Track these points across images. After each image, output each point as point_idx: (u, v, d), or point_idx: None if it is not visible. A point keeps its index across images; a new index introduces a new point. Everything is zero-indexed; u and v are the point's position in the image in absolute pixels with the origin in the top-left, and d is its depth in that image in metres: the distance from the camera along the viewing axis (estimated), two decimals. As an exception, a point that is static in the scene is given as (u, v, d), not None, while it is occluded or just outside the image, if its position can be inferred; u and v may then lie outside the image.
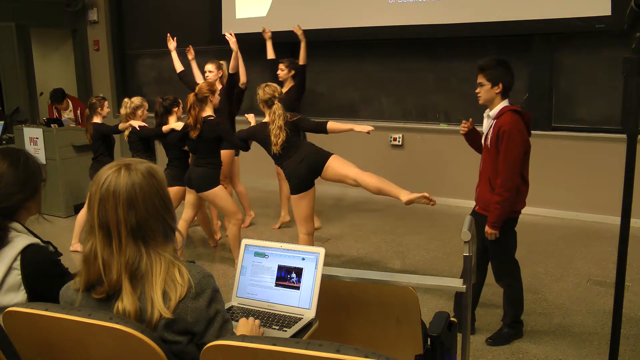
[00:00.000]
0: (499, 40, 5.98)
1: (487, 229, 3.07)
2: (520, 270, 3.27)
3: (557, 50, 5.70)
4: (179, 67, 5.24)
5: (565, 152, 5.65)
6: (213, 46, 7.33)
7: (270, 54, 5.40)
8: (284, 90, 4.35)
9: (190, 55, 5.18)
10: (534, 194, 5.85)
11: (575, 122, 5.74)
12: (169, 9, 8.10)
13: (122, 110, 4.67)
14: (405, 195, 3.67)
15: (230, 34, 4.91)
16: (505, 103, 3.03)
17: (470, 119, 3.32)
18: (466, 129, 3.33)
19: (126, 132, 4.70)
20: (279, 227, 5.46)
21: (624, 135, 1.92)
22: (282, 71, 5.18)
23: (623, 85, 1.87)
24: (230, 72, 4.91)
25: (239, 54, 4.86)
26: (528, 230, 5.34)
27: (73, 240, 4.95)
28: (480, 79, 3.03)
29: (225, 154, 4.91)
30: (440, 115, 6.47)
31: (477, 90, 3.07)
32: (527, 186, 3.14)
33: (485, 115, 3.16)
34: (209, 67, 5.05)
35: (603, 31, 5.22)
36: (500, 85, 2.97)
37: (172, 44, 5.23)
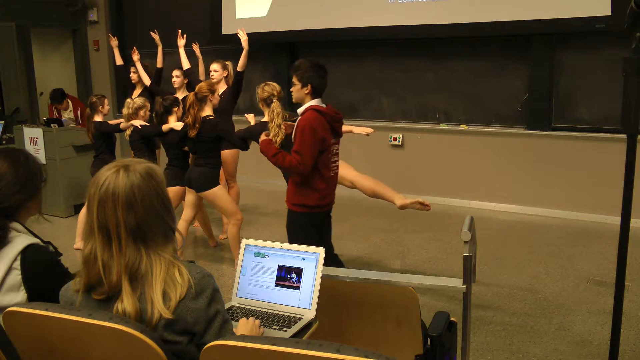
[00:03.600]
0: (499, 40, 5.98)
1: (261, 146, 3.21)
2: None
3: (557, 50, 5.70)
4: (185, 64, 5.31)
5: (565, 152, 5.65)
6: (213, 46, 7.33)
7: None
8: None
9: (136, 55, 5.58)
10: (534, 194, 5.91)
11: (575, 122, 5.74)
12: (169, 8, 8.11)
13: (125, 111, 4.70)
14: (399, 200, 3.68)
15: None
16: (313, 102, 3.15)
17: None
18: None
19: (128, 132, 4.72)
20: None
21: (624, 135, 1.92)
22: (216, 72, 5.05)
23: (623, 85, 1.87)
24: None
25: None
26: (528, 230, 5.35)
27: (77, 238, 4.98)
28: (293, 79, 3.18)
29: (230, 153, 4.91)
30: (440, 115, 6.47)
31: (291, 89, 3.23)
32: (325, 185, 3.21)
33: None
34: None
35: (603, 31, 5.22)
36: (309, 86, 3.12)
37: (181, 41, 5.36)
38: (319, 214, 3.24)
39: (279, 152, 3.12)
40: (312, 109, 3.11)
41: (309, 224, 3.22)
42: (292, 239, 3.26)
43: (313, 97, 3.15)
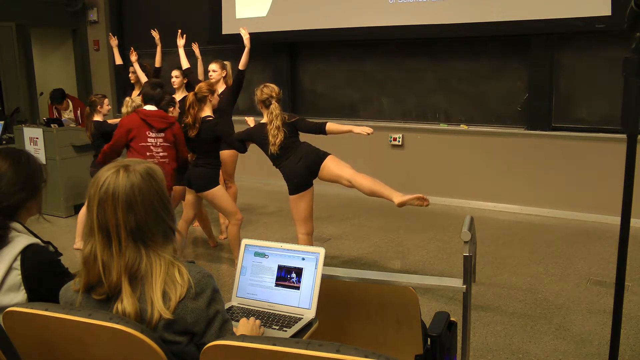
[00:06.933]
0: (499, 40, 5.98)
1: None
2: None
3: (557, 50, 5.70)
4: (185, 64, 5.31)
5: (565, 152, 5.65)
6: (213, 46, 7.34)
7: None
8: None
9: (133, 56, 5.56)
10: (534, 194, 5.91)
11: (575, 122, 5.74)
12: (169, 8, 8.11)
13: (123, 109, 4.70)
14: (398, 197, 3.66)
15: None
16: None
17: None
18: None
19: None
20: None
21: (624, 135, 1.92)
22: (215, 72, 5.04)
23: (623, 85, 1.87)
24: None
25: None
26: (528, 230, 5.35)
27: (77, 238, 4.98)
28: None
29: (229, 153, 4.91)
30: (440, 115, 6.47)
31: None
32: None
33: None
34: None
35: (603, 31, 5.22)
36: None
37: (181, 41, 5.36)
38: None
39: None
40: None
41: None
42: None
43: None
